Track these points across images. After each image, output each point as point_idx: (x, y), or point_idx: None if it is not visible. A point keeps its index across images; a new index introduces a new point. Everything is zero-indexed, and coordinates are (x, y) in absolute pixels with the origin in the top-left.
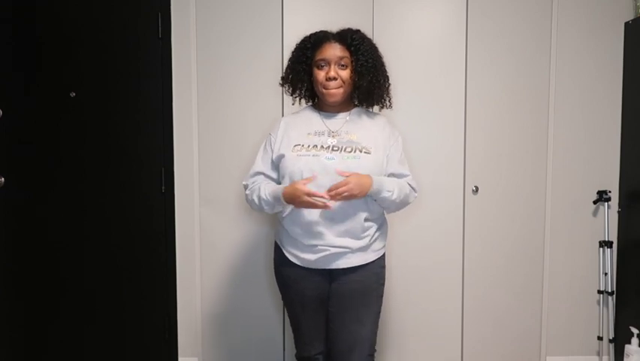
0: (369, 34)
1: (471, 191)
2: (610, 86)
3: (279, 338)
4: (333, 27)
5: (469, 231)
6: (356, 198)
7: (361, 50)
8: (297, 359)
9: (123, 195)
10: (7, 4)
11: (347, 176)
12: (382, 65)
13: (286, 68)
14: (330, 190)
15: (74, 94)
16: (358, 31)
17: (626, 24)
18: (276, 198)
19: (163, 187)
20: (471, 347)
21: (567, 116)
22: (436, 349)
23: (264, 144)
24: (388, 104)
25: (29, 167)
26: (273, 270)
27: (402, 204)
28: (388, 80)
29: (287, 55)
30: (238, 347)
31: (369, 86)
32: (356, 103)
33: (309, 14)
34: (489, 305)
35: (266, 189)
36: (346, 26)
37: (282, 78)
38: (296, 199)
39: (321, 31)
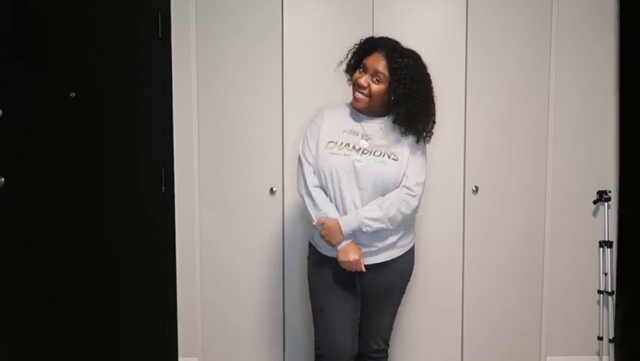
0: (368, 34)
1: (471, 191)
2: (610, 86)
3: (280, 338)
4: (333, 27)
5: (469, 231)
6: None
7: (400, 75)
8: (315, 356)
9: (123, 195)
10: (7, 4)
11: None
12: (428, 98)
13: (347, 58)
14: None
15: (74, 94)
16: (411, 56)
17: None
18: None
19: (163, 187)
20: (471, 347)
21: (567, 116)
22: (436, 349)
23: (307, 132)
24: (428, 139)
25: (29, 167)
26: (272, 270)
27: (396, 219)
28: (434, 117)
29: (287, 55)
30: (238, 347)
31: (407, 115)
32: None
33: (309, 14)
34: (489, 305)
35: (317, 213)
36: (346, 26)
37: (347, 65)
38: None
39: (381, 39)
